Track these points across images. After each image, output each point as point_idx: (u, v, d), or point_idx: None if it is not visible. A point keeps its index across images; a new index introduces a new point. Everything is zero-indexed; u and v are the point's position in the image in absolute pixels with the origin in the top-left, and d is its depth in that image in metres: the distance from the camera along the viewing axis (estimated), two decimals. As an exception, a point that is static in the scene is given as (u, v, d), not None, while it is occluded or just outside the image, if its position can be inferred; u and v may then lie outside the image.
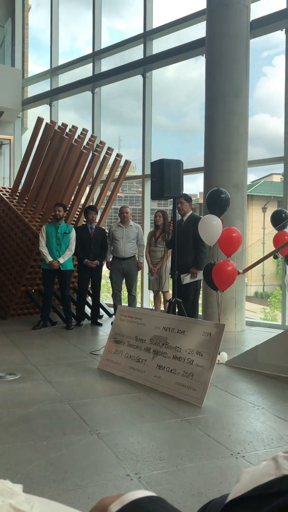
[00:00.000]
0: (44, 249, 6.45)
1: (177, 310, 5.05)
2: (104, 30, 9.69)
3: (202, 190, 7.02)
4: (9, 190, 7.71)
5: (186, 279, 5.75)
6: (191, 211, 5.97)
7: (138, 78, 8.74)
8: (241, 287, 6.50)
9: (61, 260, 6.47)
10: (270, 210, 17.72)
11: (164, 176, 4.70)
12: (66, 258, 6.53)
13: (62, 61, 10.55)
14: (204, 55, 7.04)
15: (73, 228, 6.76)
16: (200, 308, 6.90)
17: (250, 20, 6.62)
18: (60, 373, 4.46)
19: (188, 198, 5.90)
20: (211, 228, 4.87)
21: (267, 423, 3.35)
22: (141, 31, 8.76)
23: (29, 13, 11.67)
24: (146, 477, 2.54)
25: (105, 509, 0.71)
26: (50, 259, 6.43)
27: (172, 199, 5.26)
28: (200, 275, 5.75)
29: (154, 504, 0.68)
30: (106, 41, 9.65)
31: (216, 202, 4.92)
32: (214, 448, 2.91)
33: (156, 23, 8.62)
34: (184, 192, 5.39)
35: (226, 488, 2.43)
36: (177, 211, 5.46)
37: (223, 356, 4.87)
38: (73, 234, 6.64)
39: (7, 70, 10.62)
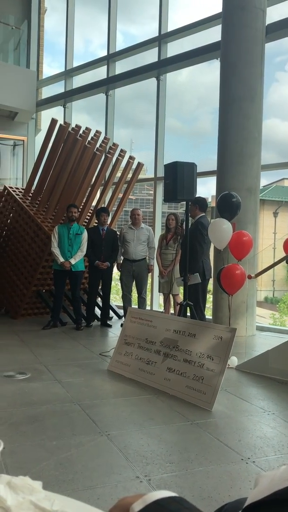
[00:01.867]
0: (56, 250, 6.48)
1: (188, 314, 5.03)
2: (118, 34, 9.75)
3: (213, 193, 7.01)
4: (22, 191, 7.76)
5: (178, 282, 5.73)
6: (201, 215, 5.89)
7: (150, 82, 8.77)
8: (253, 292, 6.47)
9: (73, 261, 6.50)
10: (281, 215, 17.64)
11: (178, 178, 4.70)
12: (77, 259, 6.55)
13: (76, 63, 10.62)
14: (219, 58, 7.04)
15: (85, 230, 6.78)
16: (209, 312, 6.88)
17: (266, 24, 6.60)
18: (70, 374, 4.47)
19: (194, 201, 5.65)
20: (221, 231, 4.86)
21: (277, 429, 3.32)
22: (153, 35, 8.79)
23: (45, 16, 11.76)
24: (155, 479, 2.53)
25: (127, 509, 0.70)
26: (61, 259, 6.45)
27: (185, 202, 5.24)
28: (195, 279, 5.68)
29: (177, 504, 0.68)
30: (119, 45, 9.71)
31: (227, 206, 4.91)
32: (224, 453, 2.89)
33: (171, 26, 8.66)
34: (197, 195, 5.36)
35: (237, 493, 2.42)
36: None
37: (233, 361, 4.85)
38: (84, 235, 6.67)
39: (22, 72, 10.71)
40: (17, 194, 7.54)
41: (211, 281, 6.14)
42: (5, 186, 7.82)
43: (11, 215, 7.60)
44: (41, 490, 0.81)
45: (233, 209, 5.00)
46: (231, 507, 1.02)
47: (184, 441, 3.05)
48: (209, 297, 6.88)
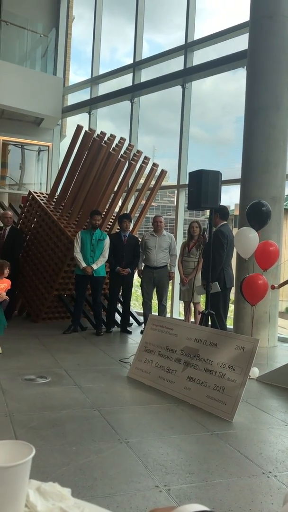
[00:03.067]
0: (78, 255, 6.52)
1: (209, 323, 4.99)
2: (144, 42, 9.83)
3: (235, 201, 6.96)
4: (46, 196, 7.85)
5: (198, 290, 5.67)
6: (223, 223, 5.82)
7: (174, 90, 8.80)
8: (275, 302, 6.39)
9: (95, 267, 6.52)
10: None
11: (202, 186, 4.69)
12: (99, 264, 6.58)
13: (101, 71, 10.73)
14: (245, 67, 7.02)
15: (107, 235, 6.81)
16: (229, 321, 6.80)
17: (294, 33, 6.56)
18: (90, 379, 4.47)
19: (215, 210, 5.47)
20: (247, 240, 4.82)
21: (299, 443, 3.26)
22: (178, 44, 8.83)
23: (72, 24, 11.94)
24: (175, 490, 2.51)
25: (159, 520, 0.69)
26: (84, 265, 6.49)
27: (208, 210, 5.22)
28: (214, 288, 5.60)
29: (210, 519, 0.67)
30: (144, 54, 9.78)
31: (256, 215, 4.86)
32: (244, 465, 2.85)
33: (198, 35, 8.69)
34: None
35: (258, 507, 2.38)
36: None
37: (255, 372, 4.78)
38: (107, 241, 6.69)
39: (49, 79, 10.88)
40: (41, 199, 7.63)
41: (233, 290, 6.08)
42: (29, 191, 7.92)
43: (35, 219, 7.69)
44: (70, 497, 0.80)
45: (262, 218, 4.94)
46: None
47: (204, 452, 3.01)
48: (230, 307, 6.80)
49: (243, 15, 7.40)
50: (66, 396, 3.95)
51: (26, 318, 7.70)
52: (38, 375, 4.47)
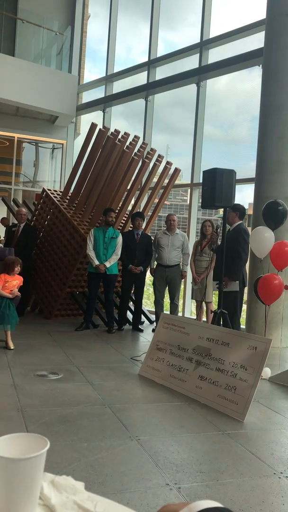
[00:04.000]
0: (91, 253, 6.54)
1: (221, 322, 4.97)
2: (159, 41, 9.81)
3: (249, 201, 6.92)
4: (60, 193, 7.88)
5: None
6: (239, 222, 5.81)
7: (189, 88, 8.77)
8: (288, 303, 6.34)
9: (108, 264, 6.54)
10: None
11: (216, 185, 4.66)
12: (112, 262, 6.59)
13: (116, 69, 10.74)
14: (260, 65, 6.97)
15: (120, 233, 6.82)
16: (242, 321, 6.77)
17: (311, 31, 6.49)
18: (101, 376, 4.49)
19: (234, 208, 5.60)
20: (263, 240, 4.78)
21: (312, 444, 3.23)
22: (192, 43, 8.79)
23: (88, 22, 11.96)
24: (185, 488, 2.50)
25: (172, 516, 0.69)
26: (96, 262, 6.51)
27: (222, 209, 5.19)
28: (234, 286, 5.59)
29: (224, 515, 0.67)
30: (159, 52, 9.75)
31: (272, 214, 4.82)
32: (256, 465, 2.84)
33: (213, 33, 8.64)
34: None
35: (268, 508, 2.36)
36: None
37: (266, 372, 4.75)
38: (119, 239, 6.70)
39: (64, 76, 10.92)
40: (55, 197, 7.67)
41: (245, 289, 6.05)
42: (43, 188, 7.97)
43: (48, 217, 7.74)
44: (84, 491, 0.81)
45: (278, 218, 4.91)
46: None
47: (215, 451, 3.00)
48: (243, 306, 6.77)
49: (260, 13, 7.36)
50: (77, 392, 3.97)
51: (39, 314, 7.75)
52: (50, 371, 4.50)
